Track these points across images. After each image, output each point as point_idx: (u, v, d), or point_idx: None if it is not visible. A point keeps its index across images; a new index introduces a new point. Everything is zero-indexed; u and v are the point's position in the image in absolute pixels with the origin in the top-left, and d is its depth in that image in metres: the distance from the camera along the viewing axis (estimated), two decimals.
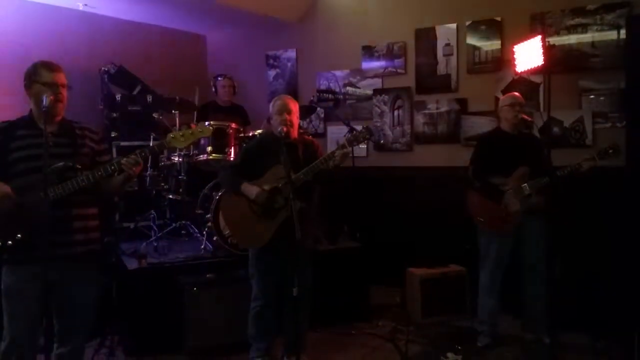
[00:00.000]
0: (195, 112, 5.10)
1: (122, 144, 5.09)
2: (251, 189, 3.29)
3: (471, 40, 5.03)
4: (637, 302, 3.58)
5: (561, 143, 4.47)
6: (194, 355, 3.73)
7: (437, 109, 5.26)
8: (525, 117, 3.83)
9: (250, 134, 4.50)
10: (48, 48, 4.86)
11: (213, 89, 5.28)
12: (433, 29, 5.23)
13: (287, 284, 3.03)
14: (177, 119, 4.75)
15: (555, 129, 4.54)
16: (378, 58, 5.57)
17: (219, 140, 4.36)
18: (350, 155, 3.67)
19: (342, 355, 3.86)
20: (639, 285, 3.59)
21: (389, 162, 5.53)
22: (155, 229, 4.63)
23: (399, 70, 5.46)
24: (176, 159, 4.67)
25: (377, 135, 5.47)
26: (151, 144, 4.12)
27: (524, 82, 4.71)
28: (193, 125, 3.81)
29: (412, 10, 5.37)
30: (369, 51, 5.62)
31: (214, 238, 4.18)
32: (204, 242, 4.29)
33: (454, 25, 5.12)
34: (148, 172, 4.70)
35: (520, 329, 4.04)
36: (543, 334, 3.80)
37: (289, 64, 6.22)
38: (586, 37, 4.45)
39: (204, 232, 4.33)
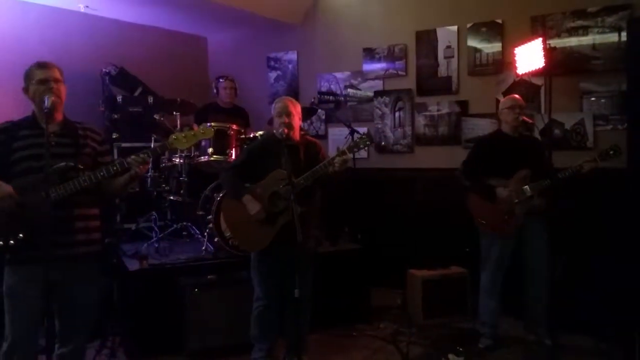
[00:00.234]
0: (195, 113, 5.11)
1: (123, 145, 5.10)
2: (252, 205, 3.27)
3: (472, 42, 5.04)
4: (639, 303, 3.58)
5: (562, 145, 4.47)
6: (195, 356, 3.73)
7: (438, 110, 5.27)
8: (526, 119, 3.83)
9: (251, 136, 4.51)
10: (49, 50, 4.86)
11: (215, 91, 5.29)
12: (434, 31, 5.24)
13: (289, 285, 3.02)
14: (178, 121, 4.76)
15: (556, 131, 4.55)
16: (379, 60, 5.58)
17: (220, 142, 4.36)
18: (351, 160, 3.68)
19: (343, 357, 3.86)
20: None
21: (390, 164, 5.53)
22: (157, 230, 4.62)
23: (399, 72, 5.47)
24: (177, 160, 4.67)
25: (377, 139, 5.47)
26: (152, 146, 4.14)
27: (524, 85, 4.71)
28: (195, 127, 3.82)
29: (413, 12, 5.38)
30: (369, 53, 5.63)
31: (215, 239, 4.17)
32: (205, 244, 4.29)
33: (454, 28, 5.12)
34: (149, 173, 4.70)
35: (522, 331, 4.04)
36: (544, 335, 3.79)
37: (290, 66, 6.22)
38: (587, 40, 4.46)
39: (205, 234, 4.33)
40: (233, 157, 4.36)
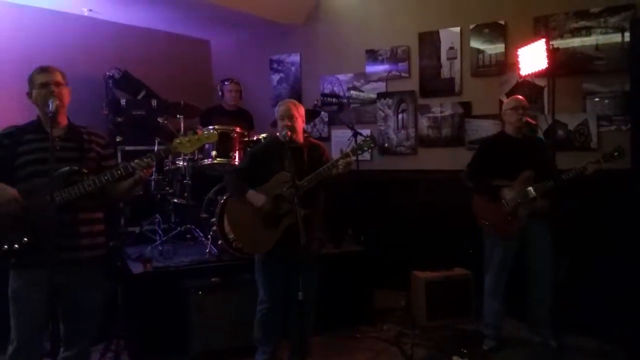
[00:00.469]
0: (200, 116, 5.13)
1: (127, 148, 5.11)
2: (257, 198, 3.29)
3: (475, 43, 5.03)
4: None
5: (566, 146, 4.46)
6: (198, 359, 3.73)
7: (441, 112, 5.26)
8: (529, 120, 3.83)
9: (255, 138, 4.51)
10: (53, 54, 4.88)
11: (220, 93, 5.30)
12: (437, 33, 5.24)
13: (293, 288, 3.03)
14: (182, 124, 4.77)
15: (560, 132, 4.54)
16: (382, 62, 5.58)
17: (224, 145, 4.37)
18: (354, 163, 3.67)
19: (346, 359, 3.86)
20: None
21: (393, 166, 5.53)
22: (160, 233, 4.64)
23: (402, 74, 5.47)
24: (181, 163, 4.68)
25: (380, 141, 5.47)
26: (156, 149, 4.16)
27: (528, 85, 4.71)
28: (199, 131, 3.83)
29: (416, 14, 5.38)
30: (372, 55, 5.63)
31: (219, 242, 4.18)
32: (208, 246, 4.30)
33: (457, 29, 5.12)
34: (153, 177, 4.72)
35: (526, 332, 4.03)
36: (548, 336, 3.78)
37: (293, 68, 6.23)
38: (590, 40, 4.45)
39: (209, 236, 4.34)
40: (236, 160, 4.37)
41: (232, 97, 5.22)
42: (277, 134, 3.41)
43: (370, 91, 5.69)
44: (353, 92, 5.81)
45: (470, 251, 4.31)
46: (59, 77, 2.60)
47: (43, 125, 2.60)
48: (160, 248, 4.38)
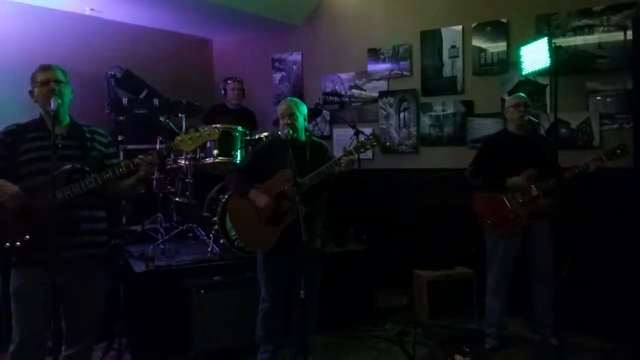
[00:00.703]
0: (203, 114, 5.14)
1: (129, 147, 5.11)
2: (260, 198, 3.29)
3: (477, 42, 5.03)
4: None
5: (568, 144, 4.46)
6: (201, 357, 3.73)
7: (443, 111, 5.26)
8: (532, 118, 3.82)
9: (257, 137, 4.51)
10: (54, 52, 4.88)
11: (222, 92, 5.31)
12: (439, 31, 5.23)
13: (295, 286, 3.03)
14: (184, 123, 4.77)
15: (563, 131, 4.53)
16: (384, 60, 5.58)
17: (226, 143, 4.37)
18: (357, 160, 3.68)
19: (348, 358, 3.86)
20: None
21: (395, 165, 5.53)
22: (162, 231, 4.64)
23: (404, 73, 5.47)
24: (183, 161, 4.68)
25: (382, 139, 5.47)
26: (158, 147, 4.16)
27: (530, 84, 4.70)
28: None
29: (418, 13, 5.37)
30: (374, 53, 5.63)
31: (221, 241, 4.18)
32: (210, 245, 4.29)
33: (459, 27, 5.12)
34: (155, 175, 4.72)
35: (528, 331, 4.02)
36: (551, 335, 3.78)
37: (295, 67, 6.23)
38: (592, 38, 4.44)
39: (211, 235, 4.34)
40: (238, 158, 4.37)
41: (235, 95, 5.23)
42: (279, 132, 3.41)
43: (372, 90, 5.69)
44: (355, 91, 5.80)
45: (472, 250, 4.31)
46: (60, 75, 2.60)
47: (46, 123, 2.60)
48: (162, 247, 4.38)
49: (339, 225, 4.72)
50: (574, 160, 3.73)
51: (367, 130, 4.46)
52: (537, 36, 4.38)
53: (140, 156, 2.57)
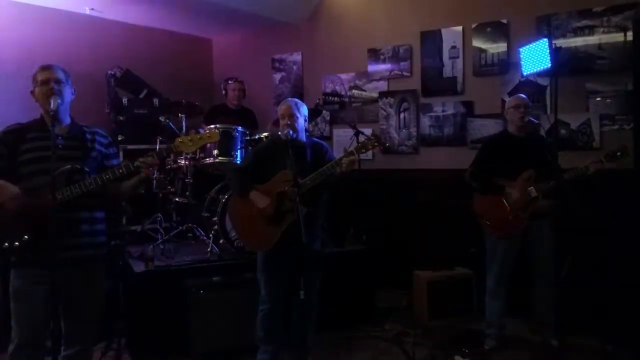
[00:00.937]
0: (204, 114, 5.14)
1: (129, 147, 5.13)
2: (261, 199, 3.28)
3: (477, 42, 5.02)
4: None
5: (568, 145, 4.45)
6: (200, 358, 3.73)
7: (443, 111, 5.25)
8: (531, 118, 3.82)
9: (257, 137, 4.51)
10: (54, 52, 4.89)
11: (223, 92, 5.31)
12: (439, 32, 5.23)
13: (295, 287, 3.02)
14: (184, 123, 4.77)
15: (563, 132, 4.53)
16: (384, 61, 5.58)
17: (226, 144, 4.37)
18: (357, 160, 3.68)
19: (348, 358, 3.86)
20: None
21: (395, 165, 5.52)
22: (162, 231, 4.64)
23: (404, 73, 5.46)
24: (183, 162, 4.69)
25: (382, 140, 5.45)
26: (158, 148, 4.15)
27: (530, 85, 4.70)
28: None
29: (418, 13, 5.37)
30: (374, 54, 5.63)
31: (221, 241, 4.18)
32: (210, 245, 4.29)
33: (459, 28, 5.11)
34: (155, 175, 4.71)
35: (528, 332, 4.02)
36: (551, 336, 3.78)
37: (295, 67, 6.23)
38: (593, 39, 4.44)
39: (211, 235, 4.34)
40: (238, 158, 4.37)
41: (236, 96, 5.24)
42: (279, 133, 3.41)
43: (372, 90, 5.69)
44: (355, 91, 5.80)
45: (472, 250, 4.31)
46: (60, 75, 2.59)
47: (46, 123, 2.60)
48: (162, 247, 4.38)
49: (339, 226, 4.72)
50: (574, 161, 3.73)
51: (367, 131, 4.45)
52: (537, 37, 4.38)
53: (140, 159, 2.56)
